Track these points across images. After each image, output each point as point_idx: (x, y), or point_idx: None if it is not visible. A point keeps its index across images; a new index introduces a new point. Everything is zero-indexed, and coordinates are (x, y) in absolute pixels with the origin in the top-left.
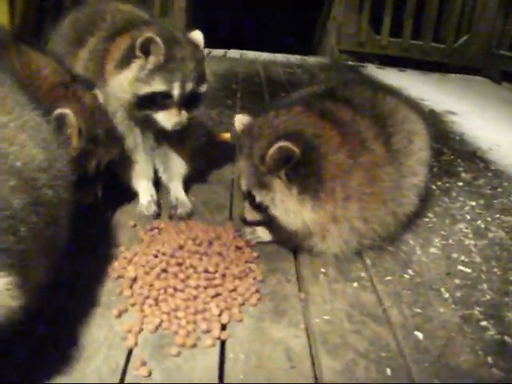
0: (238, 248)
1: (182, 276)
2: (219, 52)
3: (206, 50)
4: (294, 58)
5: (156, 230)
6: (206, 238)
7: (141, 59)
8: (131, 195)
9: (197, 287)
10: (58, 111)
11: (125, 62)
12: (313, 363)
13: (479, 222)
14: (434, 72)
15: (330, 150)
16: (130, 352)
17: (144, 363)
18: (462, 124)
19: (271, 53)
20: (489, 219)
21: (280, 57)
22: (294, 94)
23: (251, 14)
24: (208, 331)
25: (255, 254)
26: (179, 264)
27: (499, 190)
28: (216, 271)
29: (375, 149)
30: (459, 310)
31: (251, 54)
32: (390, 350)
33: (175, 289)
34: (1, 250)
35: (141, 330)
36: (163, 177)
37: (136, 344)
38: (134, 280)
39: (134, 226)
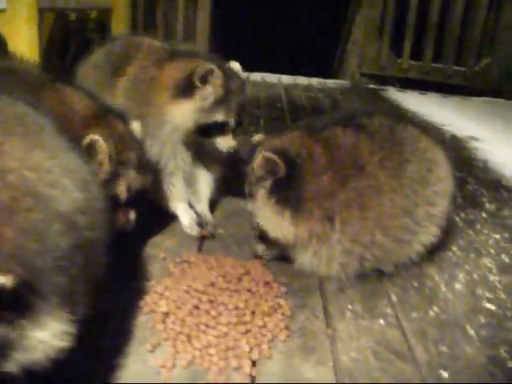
0: (267, 283)
1: (213, 313)
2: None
3: None
4: (315, 81)
5: (186, 264)
6: (236, 274)
7: (202, 90)
8: (160, 228)
9: (228, 324)
10: (89, 137)
11: (183, 91)
12: None
13: (503, 256)
14: (455, 95)
15: (314, 171)
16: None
17: None
18: (485, 150)
19: (292, 75)
20: None
21: (301, 80)
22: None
23: (272, 36)
24: (239, 368)
25: (283, 290)
26: (211, 301)
27: None
28: (246, 308)
29: (377, 175)
30: (485, 349)
31: (273, 77)
32: None
33: (207, 325)
34: (52, 292)
35: (174, 365)
36: (191, 198)
37: (170, 379)
38: (166, 315)
39: (164, 258)
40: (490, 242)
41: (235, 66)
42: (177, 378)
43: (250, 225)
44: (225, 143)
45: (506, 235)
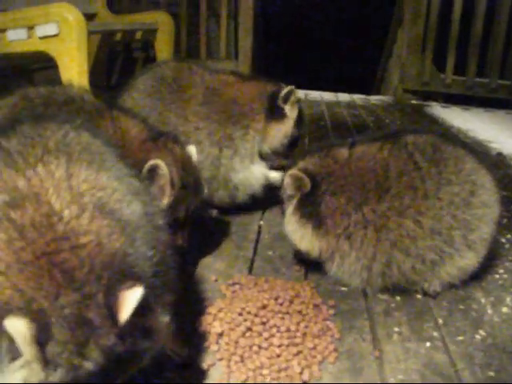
0: (316, 306)
1: (266, 335)
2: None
3: None
4: (357, 98)
5: (237, 286)
6: (287, 296)
7: (289, 111)
8: (210, 249)
9: (280, 346)
10: (151, 162)
11: (273, 112)
12: None
13: None
14: (500, 109)
15: (334, 191)
16: None
17: None
18: None
19: (334, 92)
20: None
21: (343, 96)
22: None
23: (314, 54)
24: None
25: (332, 312)
26: (263, 323)
27: None
28: (297, 330)
29: (403, 194)
30: None
31: (315, 94)
32: None
33: (260, 347)
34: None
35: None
36: None
37: None
38: (220, 335)
39: (216, 280)
40: None
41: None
42: None
43: None
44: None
45: None
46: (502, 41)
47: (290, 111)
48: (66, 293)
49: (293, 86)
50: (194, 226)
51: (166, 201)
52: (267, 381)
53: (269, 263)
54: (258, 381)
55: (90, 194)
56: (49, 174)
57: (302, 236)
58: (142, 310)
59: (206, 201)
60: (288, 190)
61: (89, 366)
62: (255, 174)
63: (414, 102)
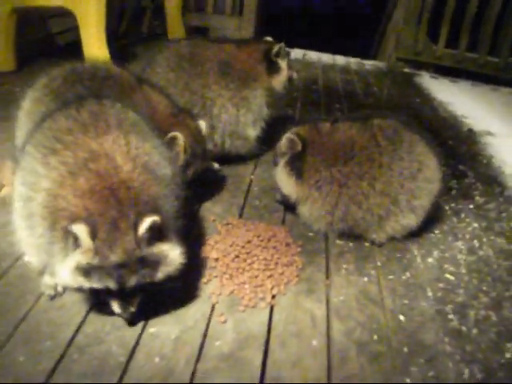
0: (287, 244)
1: (249, 261)
2: None
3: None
4: (352, 62)
5: (230, 225)
6: (266, 236)
7: (283, 63)
8: (211, 196)
9: (258, 269)
10: (171, 134)
11: (271, 68)
12: (327, 325)
13: (475, 241)
14: (486, 83)
15: (313, 153)
16: (213, 306)
17: (222, 314)
18: (495, 146)
19: (332, 54)
20: (484, 240)
21: (339, 60)
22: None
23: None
24: (263, 298)
25: (299, 249)
26: (247, 253)
27: (503, 214)
28: (271, 260)
29: (362, 163)
30: (436, 305)
31: (313, 55)
32: (380, 324)
33: (244, 269)
34: (173, 226)
35: (220, 293)
36: None
37: (217, 302)
38: (216, 260)
39: (214, 220)
40: (469, 229)
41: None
42: (222, 302)
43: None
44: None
45: (484, 224)
46: (494, 21)
47: (283, 63)
48: (112, 210)
49: (282, 43)
50: (199, 179)
51: (179, 163)
52: (247, 292)
53: (255, 210)
54: (241, 292)
55: (139, 157)
56: (113, 141)
57: (287, 183)
58: (160, 235)
59: (220, 153)
60: (283, 148)
61: (114, 257)
62: (262, 115)
63: (406, 70)
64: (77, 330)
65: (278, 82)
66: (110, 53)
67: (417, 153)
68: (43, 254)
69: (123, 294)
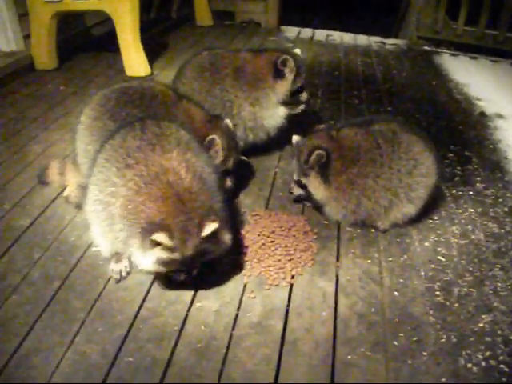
0: (305, 232)
1: (272, 248)
2: (307, 33)
3: (296, 30)
4: (374, 42)
5: (257, 216)
6: (287, 225)
7: (289, 73)
8: (242, 191)
9: (280, 255)
10: (209, 138)
11: (277, 75)
12: (335, 300)
13: (469, 226)
14: (507, 59)
15: (335, 160)
16: (245, 285)
17: (252, 291)
18: (503, 131)
19: (355, 33)
20: (478, 224)
21: (361, 40)
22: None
23: None
24: (284, 278)
25: (314, 237)
26: (272, 241)
27: (500, 200)
28: (291, 246)
29: (368, 164)
30: (426, 283)
31: (336, 36)
32: (377, 299)
33: (269, 255)
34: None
35: (250, 274)
36: None
37: (248, 282)
38: (246, 247)
39: (244, 212)
40: (465, 214)
41: (298, 51)
42: (251, 281)
43: (292, 181)
44: (303, 97)
45: (480, 210)
46: None
47: (289, 72)
48: (181, 214)
49: (287, 55)
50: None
51: (219, 160)
52: (272, 274)
53: (279, 201)
54: (267, 274)
55: (196, 170)
56: (176, 158)
57: (320, 190)
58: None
59: (245, 147)
60: (312, 162)
61: (188, 252)
62: (278, 113)
63: (426, 48)
64: (140, 306)
65: (282, 87)
66: (142, 42)
67: (413, 152)
68: (120, 244)
69: (189, 271)
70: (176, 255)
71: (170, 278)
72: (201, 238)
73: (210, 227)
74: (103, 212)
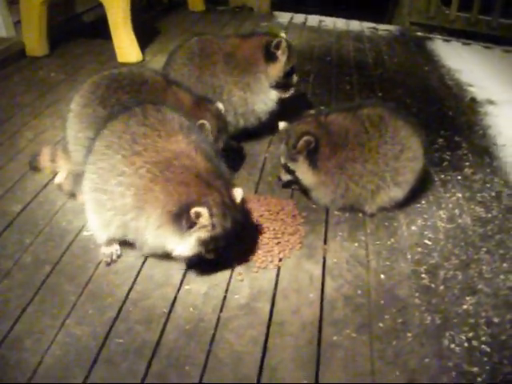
0: (293, 216)
1: (261, 232)
2: (300, 18)
3: (289, 16)
4: (366, 28)
5: (247, 200)
6: (276, 209)
7: (282, 55)
8: (231, 174)
9: (268, 238)
10: (200, 122)
11: (269, 57)
12: (322, 282)
13: (456, 210)
14: (499, 45)
15: (323, 145)
16: (233, 268)
17: (240, 274)
18: (494, 116)
19: (347, 19)
20: (465, 209)
21: (354, 25)
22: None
23: None
24: (272, 261)
25: (302, 220)
26: (260, 225)
27: (487, 184)
28: (279, 230)
29: (356, 148)
30: (412, 266)
31: (329, 21)
32: (364, 282)
33: (257, 238)
34: None
35: (239, 257)
36: None
37: (236, 264)
38: None
39: None
40: (453, 198)
41: (283, 34)
42: (240, 264)
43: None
44: (294, 80)
45: (467, 195)
46: None
47: (281, 55)
48: (211, 192)
49: (281, 38)
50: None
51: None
52: (260, 256)
53: (268, 186)
54: (255, 257)
55: (202, 150)
56: (182, 141)
57: (308, 175)
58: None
59: (235, 132)
60: (300, 148)
61: (228, 226)
62: (270, 97)
63: (419, 33)
64: (130, 289)
65: (274, 70)
66: (134, 27)
67: (400, 136)
68: (124, 231)
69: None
70: (217, 231)
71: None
72: (237, 208)
73: (238, 193)
74: (107, 201)
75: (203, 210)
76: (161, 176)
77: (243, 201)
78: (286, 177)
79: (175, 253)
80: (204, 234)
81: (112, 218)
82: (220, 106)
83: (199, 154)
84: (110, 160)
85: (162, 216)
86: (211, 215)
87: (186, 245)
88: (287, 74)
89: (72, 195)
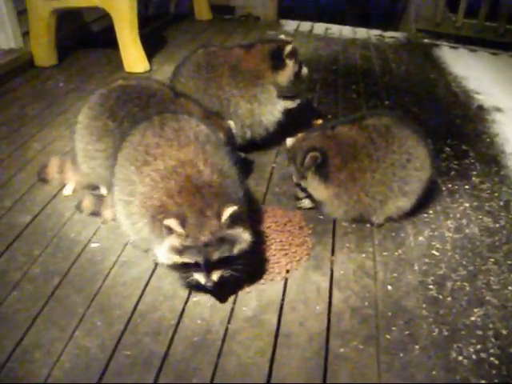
0: (301, 227)
1: (268, 243)
2: (306, 26)
3: (295, 24)
4: (373, 35)
5: (254, 212)
6: (283, 220)
7: (291, 62)
8: None
9: (275, 249)
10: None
11: (277, 65)
12: (329, 294)
13: (464, 220)
14: (507, 51)
15: (333, 157)
16: (241, 280)
17: (247, 286)
18: (501, 124)
19: (354, 26)
20: (473, 218)
21: (360, 32)
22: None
23: None
24: (279, 273)
25: (310, 232)
26: (267, 237)
27: (496, 194)
28: (286, 241)
29: (365, 160)
30: (420, 277)
31: (335, 29)
32: (371, 293)
33: (264, 250)
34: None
35: (246, 269)
36: None
37: (244, 276)
38: None
39: None
40: (460, 208)
41: (282, 36)
42: (247, 275)
43: (294, 185)
44: (305, 72)
45: (475, 204)
46: None
47: (289, 59)
48: (198, 202)
49: (291, 44)
50: None
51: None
52: (267, 268)
53: (275, 196)
54: (262, 268)
55: (215, 163)
56: (194, 151)
57: (320, 190)
58: (236, 221)
59: (243, 144)
60: (308, 164)
61: (203, 238)
62: (277, 108)
63: (426, 40)
64: (138, 301)
65: (283, 77)
66: (141, 37)
67: (406, 146)
68: (145, 241)
69: (207, 267)
70: (189, 241)
71: (192, 283)
72: (219, 224)
73: (228, 211)
74: (124, 211)
75: (171, 222)
76: (161, 184)
77: (236, 225)
78: (301, 194)
79: (158, 260)
80: (176, 242)
81: (130, 227)
82: (232, 124)
83: (207, 165)
84: (125, 171)
85: (153, 224)
86: (183, 225)
87: (161, 250)
88: (297, 73)
89: (95, 214)
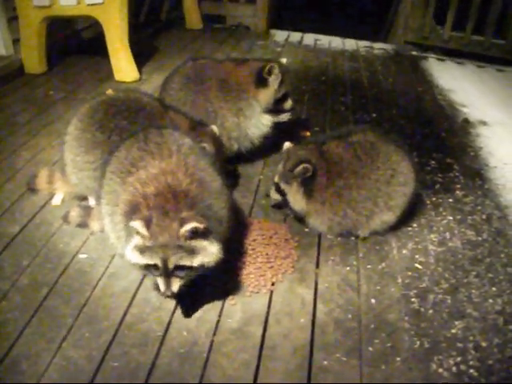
0: (286, 240)
1: (254, 256)
2: (296, 37)
3: (285, 34)
4: (362, 46)
5: (240, 224)
6: (269, 233)
7: (274, 81)
8: None
9: (261, 262)
10: (202, 144)
11: (260, 83)
12: (313, 306)
13: (447, 233)
14: (492, 64)
15: (320, 173)
16: (226, 292)
17: (233, 298)
18: (485, 137)
19: (343, 37)
20: (455, 232)
21: (349, 44)
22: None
23: None
24: (264, 285)
25: (295, 244)
26: (253, 249)
27: (479, 207)
28: (272, 254)
29: (350, 176)
30: (402, 290)
31: (324, 40)
32: (355, 306)
33: (250, 262)
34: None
35: (232, 281)
36: None
37: (229, 288)
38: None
39: None
40: (444, 222)
41: (283, 60)
42: (233, 288)
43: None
44: (288, 105)
45: (458, 217)
46: (500, 3)
47: (273, 80)
48: (167, 208)
49: (273, 64)
50: None
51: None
52: (252, 281)
53: (262, 209)
54: (248, 281)
55: (196, 174)
56: (175, 163)
57: (300, 202)
58: (201, 234)
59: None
60: (297, 173)
61: (161, 239)
62: (263, 122)
63: (414, 53)
64: (125, 312)
65: (265, 95)
66: (131, 45)
67: (391, 162)
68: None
69: (167, 274)
70: (150, 242)
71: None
72: (178, 233)
73: (190, 225)
74: (110, 224)
75: (137, 223)
76: (141, 190)
77: (204, 238)
78: (274, 196)
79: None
80: (140, 241)
81: (117, 241)
82: (214, 128)
83: (187, 176)
84: (113, 184)
85: (127, 223)
86: (147, 227)
87: (128, 249)
88: (280, 100)
89: (85, 227)
